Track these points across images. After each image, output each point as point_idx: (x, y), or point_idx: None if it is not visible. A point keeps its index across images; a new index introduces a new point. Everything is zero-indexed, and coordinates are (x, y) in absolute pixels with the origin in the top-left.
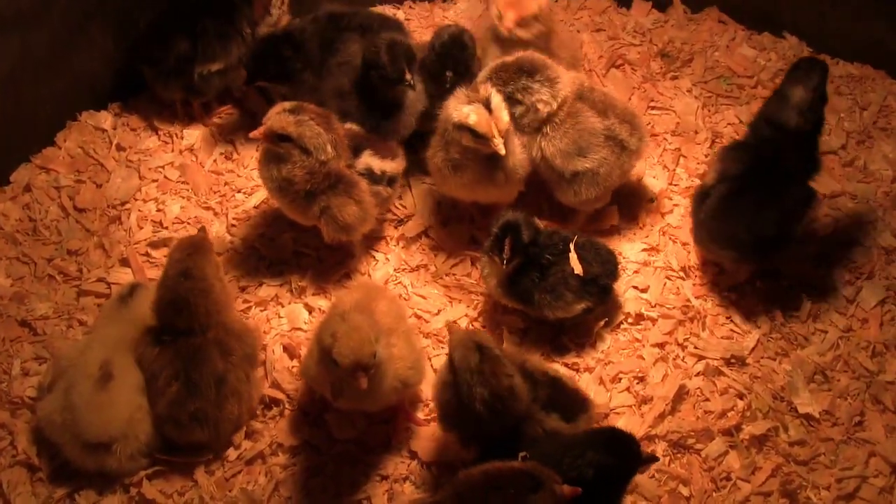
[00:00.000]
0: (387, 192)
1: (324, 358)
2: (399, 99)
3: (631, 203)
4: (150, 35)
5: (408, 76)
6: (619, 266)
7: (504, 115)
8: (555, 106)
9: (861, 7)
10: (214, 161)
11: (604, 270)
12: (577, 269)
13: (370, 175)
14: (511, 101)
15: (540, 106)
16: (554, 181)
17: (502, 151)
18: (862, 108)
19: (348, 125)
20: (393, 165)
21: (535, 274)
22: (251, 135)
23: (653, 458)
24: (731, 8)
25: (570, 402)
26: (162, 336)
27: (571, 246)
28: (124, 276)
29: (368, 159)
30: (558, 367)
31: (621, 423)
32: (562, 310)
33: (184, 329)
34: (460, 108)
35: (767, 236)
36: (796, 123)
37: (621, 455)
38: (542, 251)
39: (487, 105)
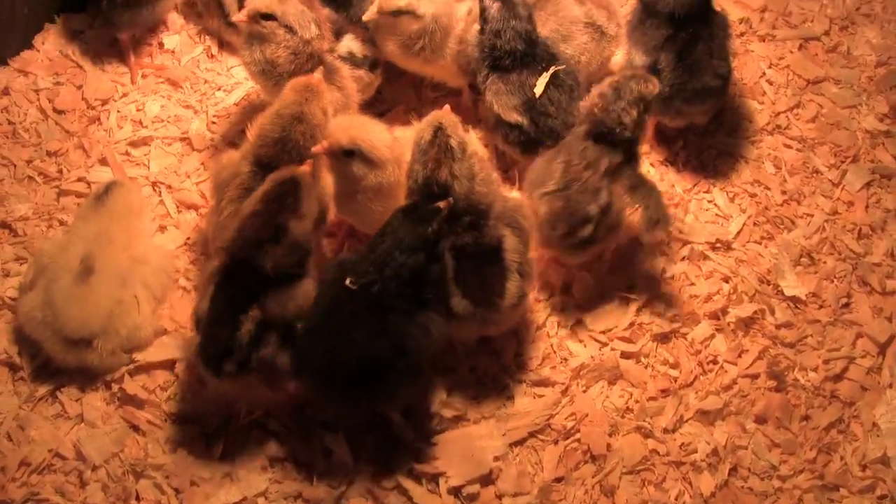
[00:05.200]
0: (369, 76)
1: None
2: None
3: None
4: None
5: None
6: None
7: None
8: None
9: None
10: (195, 60)
11: (560, 118)
12: (539, 89)
13: (352, 59)
14: None
15: None
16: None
17: (364, 17)
18: None
19: (327, 10)
20: (375, 49)
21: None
22: (234, 19)
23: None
24: None
25: None
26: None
27: (553, 68)
28: (105, 176)
29: (350, 43)
30: None
31: (609, 308)
32: (499, 105)
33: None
34: None
35: (727, 73)
36: None
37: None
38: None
39: None
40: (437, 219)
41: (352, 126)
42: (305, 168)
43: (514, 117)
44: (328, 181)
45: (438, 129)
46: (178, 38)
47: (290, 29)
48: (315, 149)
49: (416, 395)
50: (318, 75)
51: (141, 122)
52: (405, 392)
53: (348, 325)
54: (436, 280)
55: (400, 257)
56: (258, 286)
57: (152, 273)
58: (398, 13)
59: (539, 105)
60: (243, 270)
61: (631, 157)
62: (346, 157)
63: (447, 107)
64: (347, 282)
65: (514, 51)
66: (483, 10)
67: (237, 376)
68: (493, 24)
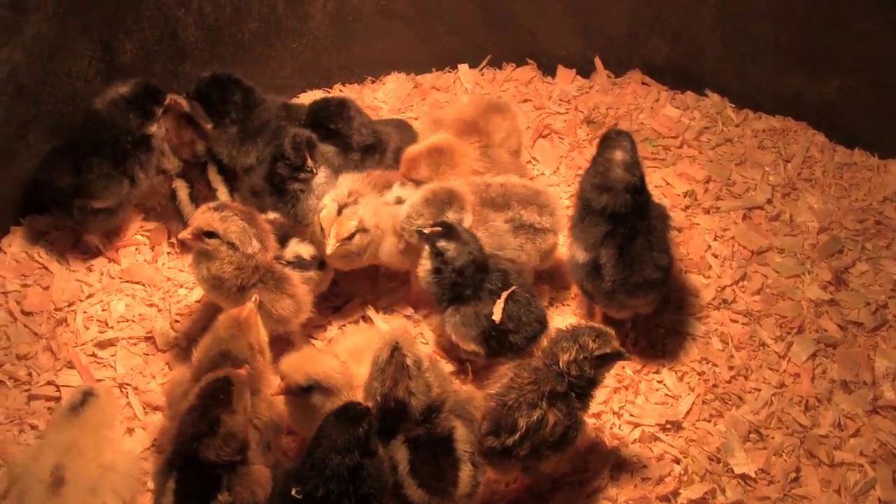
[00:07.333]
0: (318, 275)
1: None
2: (306, 185)
3: (563, 273)
4: (44, 161)
5: (309, 163)
6: (538, 336)
7: (350, 224)
8: None
9: (779, 61)
10: (157, 258)
11: (521, 332)
12: (497, 315)
13: (300, 262)
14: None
15: None
16: None
17: (328, 252)
18: (786, 160)
19: (273, 215)
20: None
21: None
22: (179, 236)
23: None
24: (654, 69)
25: None
26: None
27: (504, 294)
28: (73, 379)
29: (296, 247)
30: None
31: (561, 496)
32: (461, 337)
33: None
34: (327, 197)
35: (668, 264)
36: (625, 179)
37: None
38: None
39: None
40: (368, 419)
41: (303, 362)
42: (242, 371)
43: (472, 347)
44: (272, 407)
45: (395, 349)
46: (140, 237)
47: (232, 245)
48: (272, 392)
49: None
50: (250, 304)
51: (106, 323)
52: None
53: None
54: (375, 474)
55: (336, 458)
56: (217, 473)
57: (121, 479)
58: (352, 236)
59: (500, 325)
60: (195, 464)
61: (580, 394)
62: (304, 392)
63: (403, 323)
64: (293, 492)
65: (474, 280)
66: (440, 253)
67: None
68: (454, 264)
